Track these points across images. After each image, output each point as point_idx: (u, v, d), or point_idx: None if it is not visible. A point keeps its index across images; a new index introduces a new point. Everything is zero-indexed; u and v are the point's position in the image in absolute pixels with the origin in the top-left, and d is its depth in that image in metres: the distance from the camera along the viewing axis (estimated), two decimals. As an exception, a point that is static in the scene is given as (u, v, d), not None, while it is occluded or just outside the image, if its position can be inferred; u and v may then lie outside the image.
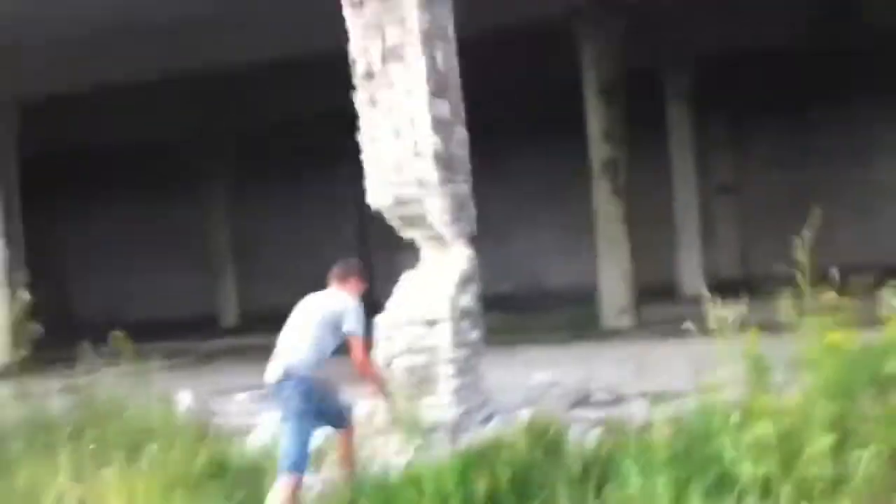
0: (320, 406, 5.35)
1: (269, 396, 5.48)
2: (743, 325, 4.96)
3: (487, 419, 6.66)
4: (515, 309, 12.95)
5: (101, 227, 19.58)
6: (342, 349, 5.57)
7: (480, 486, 4.72)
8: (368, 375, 5.77)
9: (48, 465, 5.86)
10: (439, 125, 6.69)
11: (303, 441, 5.18)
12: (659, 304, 12.55)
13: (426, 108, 6.60)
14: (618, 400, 6.76)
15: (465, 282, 6.72)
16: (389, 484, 5.04)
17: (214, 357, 12.33)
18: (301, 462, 5.14)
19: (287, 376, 5.29)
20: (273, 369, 5.38)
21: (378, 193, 6.69)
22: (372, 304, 6.06)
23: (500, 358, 7.75)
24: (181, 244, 18.63)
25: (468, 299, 6.75)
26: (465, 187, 6.97)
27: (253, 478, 5.75)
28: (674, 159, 15.24)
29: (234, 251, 18.08)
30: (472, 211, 6.98)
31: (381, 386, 5.95)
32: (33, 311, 7.45)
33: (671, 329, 10.64)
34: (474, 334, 6.80)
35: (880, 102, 14.87)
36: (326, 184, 18.33)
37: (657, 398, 6.26)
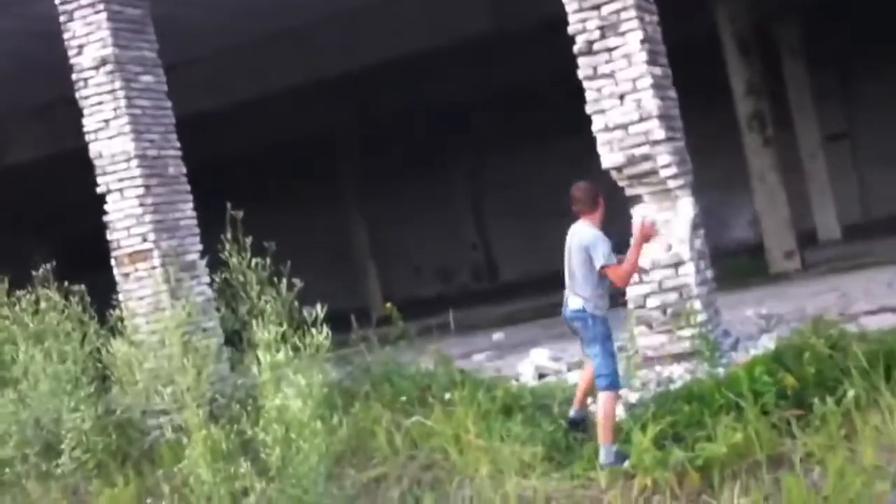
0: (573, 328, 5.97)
1: (568, 326, 6.08)
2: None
3: (734, 345, 7.39)
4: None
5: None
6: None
7: (790, 381, 5.45)
8: (629, 276, 6.12)
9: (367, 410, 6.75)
10: (658, 88, 7.43)
11: (611, 359, 5.86)
12: (808, 248, 13.13)
13: (647, 72, 7.35)
14: (849, 319, 7.37)
15: (695, 226, 7.45)
16: (700, 389, 5.77)
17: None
18: (615, 377, 5.83)
19: (577, 308, 5.93)
20: (566, 302, 6.04)
21: (610, 156, 7.44)
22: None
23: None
24: (321, 245, 19.56)
25: (700, 242, 7.49)
26: (682, 143, 7.69)
27: (546, 405, 6.58)
28: (794, 110, 15.65)
29: (371, 247, 19.04)
30: (689, 164, 7.70)
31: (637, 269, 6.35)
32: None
33: (838, 267, 11.40)
34: (709, 273, 7.54)
35: None
36: (440, 174, 19.29)
37: (893, 309, 6.87)
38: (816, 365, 5.59)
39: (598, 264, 5.86)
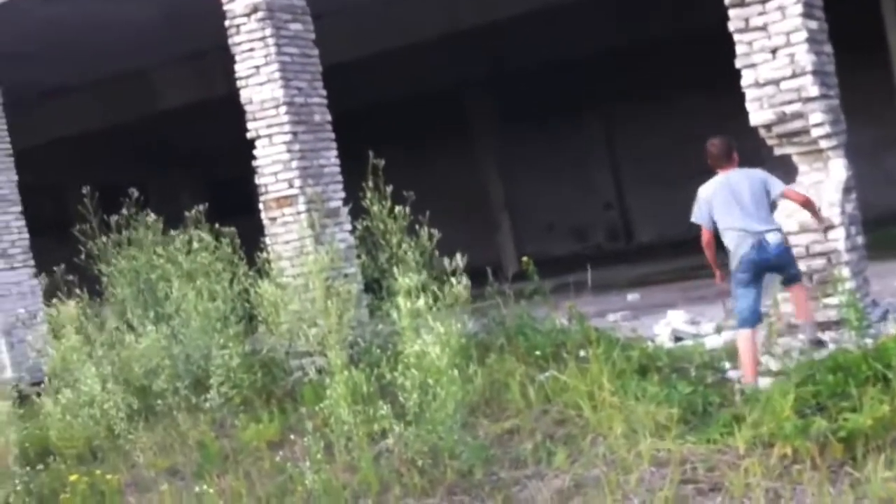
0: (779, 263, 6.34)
1: (760, 269, 6.32)
2: None
3: (883, 316, 7.14)
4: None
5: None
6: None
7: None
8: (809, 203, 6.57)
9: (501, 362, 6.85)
10: (813, 42, 7.13)
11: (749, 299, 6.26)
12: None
13: (802, 25, 7.06)
14: None
15: (847, 190, 7.17)
16: (846, 358, 5.60)
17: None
18: (750, 317, 6.22)
19: (779, 242, 6.27)
20: (762, 243, 6.22)
21: (759, 113, 7.20)
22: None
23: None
24: (457, 197, 19.69)
25: (852, 207, 7.20)
26: (837, 102, 7.38)
27: (682, 367, 6.52)
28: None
29: (506, 201, 19.05)
30: (843, 124, 7.39)
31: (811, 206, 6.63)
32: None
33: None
34: (859, 239, 7.26)
35: None
36: (575, 131, 19.01)
37: None
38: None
39: (778, 191, 6.34)
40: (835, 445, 5.06)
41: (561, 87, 17.84)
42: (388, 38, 14.35)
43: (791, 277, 6.54)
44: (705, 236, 6.43)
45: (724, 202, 6.29)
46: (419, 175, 18.03)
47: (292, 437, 6.51)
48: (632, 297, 10.10)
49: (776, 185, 6.34)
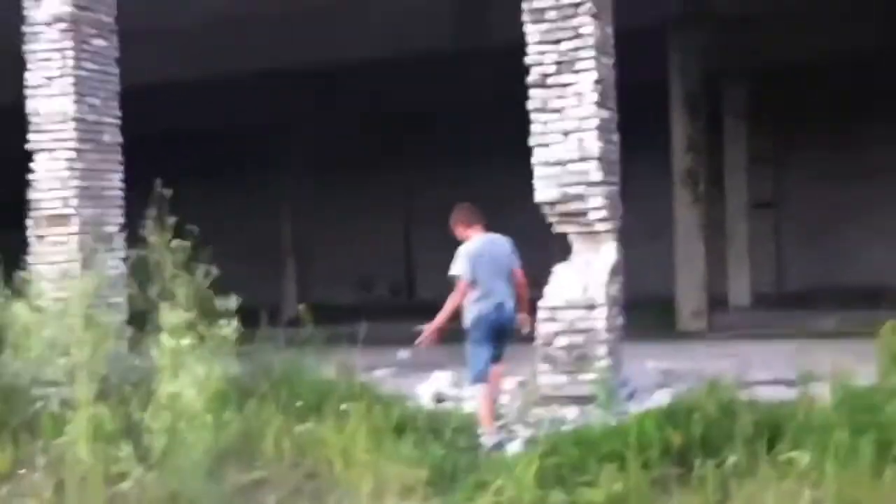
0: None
1: (499, 331, 6.79)
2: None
3: (630, 396, 7.51)
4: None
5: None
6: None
7: (676, 439, 5.56)
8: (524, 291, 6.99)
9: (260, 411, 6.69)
10: (603, 130, 7.54)
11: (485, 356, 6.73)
12: (717, 311, 13.41)
13: (595, 113, 7.46)
14: (744, 385, 7.54)
15: (614, 272, 7.56)
16: (589, 434, 5.85)
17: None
18: (484, 373, 6.70)
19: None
20: (504, 306, 6.74)
21: (545, 190, 7.52)
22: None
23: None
24: (246, 236, 19.30)
25: (616, 289, 7.60)
26: (617, 188, 7.80)
27: (438, 429, 6.61)
28: (727, 172, 15.97)
29: (293, 245, 18.89)
30: (620, 210, 7.81)
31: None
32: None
33: (743, 334, 11.65)
34: (619, 320, 7.66)
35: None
36: (374, 182, 19.25)
37: (787, 383, 7.04)
38: (704, 426, 5.69)
39: (516, 265, 6.91)
40: (568, 518, 5.25)
41: (365, 137, 18.02)
42: (207, 66, 14.07)
43: (503, 353, 6.92)
44: (463, 289, 6.71)
45: (487, 261, 6.76)
46: (215, 211, 17.80)
47: (22, 471, 6.10)
48: (402, 354, 10.18)
49: (515, 261, 6.94)
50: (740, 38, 13.90)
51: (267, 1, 12.38)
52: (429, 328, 6.81)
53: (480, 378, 6.69)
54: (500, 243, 6.94)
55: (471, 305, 6.71)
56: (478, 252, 6.77)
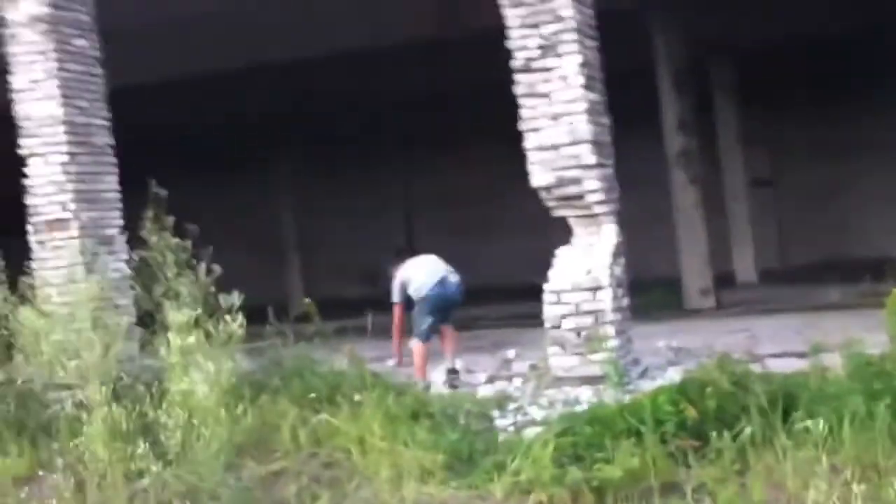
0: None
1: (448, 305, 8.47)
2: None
3: (642, 374, 7.55)
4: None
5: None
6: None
7: (691, 413, 5.59)
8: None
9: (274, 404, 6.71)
10: (592, 113, 7.56)
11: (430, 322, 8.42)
12: (724, 288, 13.46)
13: (582, 96, 7.47)
14: (755, 359, 7.57)
15: (616, 254, 7.59)
16: (604, 412, 5.88)
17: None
18: (426, 334, 8.34)
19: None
20: (452, 282, 8.42)
21: (541, 175, 7.54)
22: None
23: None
24: (248, 232, 19.27)
25: (619, 270, 7.63)
26: (611, 170, 7.82)
27: (452, 414, 6.63)
28: (722, 151, 16.00)
29: (297, 240, 18.87)
30: (617, 192, 7.84)
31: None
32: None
33: (751, 309, 11.70)
34: (625, 301, 7.68)
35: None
36: (375, 174, 19.24)
37: (798, 355, 7.08)
38: (718, 400, 5.73)
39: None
40: (587, 494, 5.28)
41: (361, 128, 18.00)
42: (192, 64, 14.01)
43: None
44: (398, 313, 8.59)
45: (420, 265, 8.61)
46: (215, 208, 17.81)
47: (41, 472, 6.10)
48: (411, 343, 10.12)
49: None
50: (723, 15, 13.88)
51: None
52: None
53: (422, 337, 8.28)
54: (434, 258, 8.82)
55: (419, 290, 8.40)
56: (409, 272, 8.72)
